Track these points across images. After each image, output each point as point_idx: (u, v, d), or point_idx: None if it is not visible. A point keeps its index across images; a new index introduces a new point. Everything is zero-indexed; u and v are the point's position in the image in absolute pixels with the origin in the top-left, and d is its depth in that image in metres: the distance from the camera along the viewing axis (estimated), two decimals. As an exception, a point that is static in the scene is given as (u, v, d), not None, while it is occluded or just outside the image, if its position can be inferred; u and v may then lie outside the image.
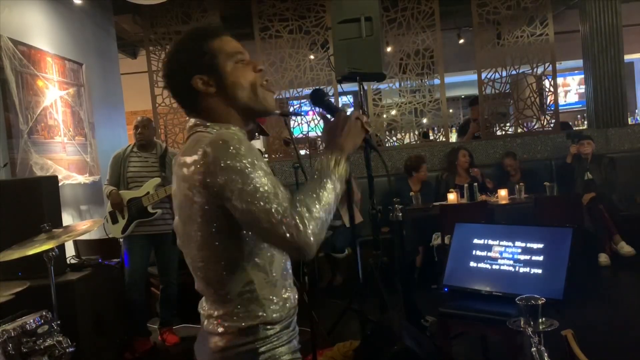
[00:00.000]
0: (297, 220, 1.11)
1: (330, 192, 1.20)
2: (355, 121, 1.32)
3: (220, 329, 1.28)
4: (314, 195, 1.17)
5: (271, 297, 1.29)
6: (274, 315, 1.29)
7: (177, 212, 1.29)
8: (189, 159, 1.20)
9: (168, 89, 1.36)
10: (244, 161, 1.15)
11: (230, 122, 1.31)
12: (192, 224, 1.23)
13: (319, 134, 6.53)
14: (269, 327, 1.28)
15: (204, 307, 1.34)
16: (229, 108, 1.31)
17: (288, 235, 1.11)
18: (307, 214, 1.13)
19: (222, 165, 1.15)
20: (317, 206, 1.16)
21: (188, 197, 1.21)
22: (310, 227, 1.12)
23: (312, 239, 1.12)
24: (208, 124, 1.30)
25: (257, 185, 1.14)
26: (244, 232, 1.23)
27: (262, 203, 1.12)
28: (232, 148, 1.16)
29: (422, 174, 5.64)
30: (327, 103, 1.46)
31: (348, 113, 1.35)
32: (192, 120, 1.33)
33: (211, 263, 1.25)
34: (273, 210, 1.12)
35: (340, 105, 1.43)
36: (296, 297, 1.39)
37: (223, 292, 1.26)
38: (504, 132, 6.48)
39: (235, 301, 1.26)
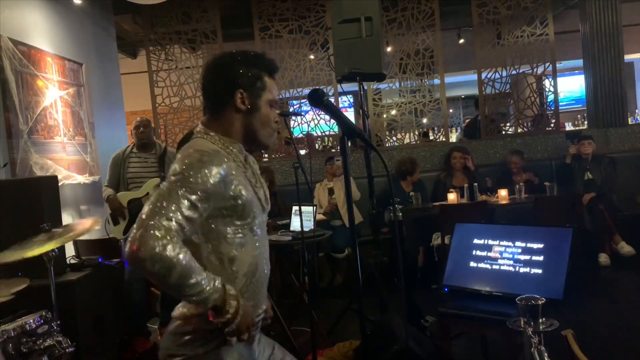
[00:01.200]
0: (144, 241, 1.23)
1: (188, 280, 1.28)
2: (247, 324, 1.39)
3: (177, 312, 1.47)
4: (187, 267, 1.27)
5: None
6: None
7: None
8: (177, 157, 1.40)
9: (207, 79, 1.51)
10: (194, 177, 1.33)
11: (235, 137, 1.50)
12: None
13: (319, 133, 6.54)
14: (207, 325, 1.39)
15: None
16: (242, 128, 1.50)
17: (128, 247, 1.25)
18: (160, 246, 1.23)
19: (182, 167, 1.35)
20: (173, 260, 1.25)
21: None
22: (151, 253, 1.22)
23: (141, 258, 1.23)
24: (211, 133, 1.48)
25: (175, 197, 1.30)
26: (211, 222, 1.40)
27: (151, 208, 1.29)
28: (200, 163, 1.36)
29: (416, 176, 5.65)
30: (326, 104, 1.52)
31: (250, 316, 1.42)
32: (200, 126, 1.51)
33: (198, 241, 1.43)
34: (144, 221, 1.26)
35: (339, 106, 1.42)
36: (261, 317, 1.56)
37: None
38: (504, 132, 6.48)
39: None
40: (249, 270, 1.47)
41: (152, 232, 1.23)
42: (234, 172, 1.42)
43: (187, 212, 1.30)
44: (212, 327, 1.39)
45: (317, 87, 1.61)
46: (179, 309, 1.47)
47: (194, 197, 1.31)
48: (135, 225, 1.27)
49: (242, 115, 1.49)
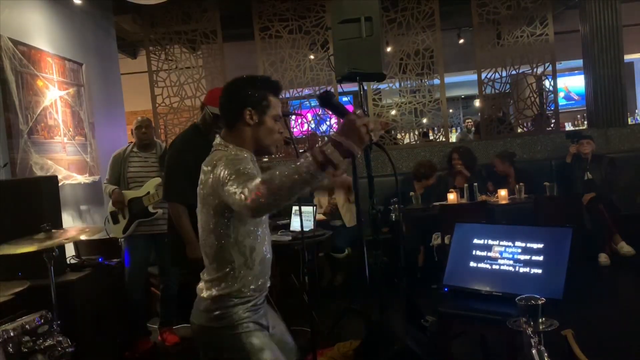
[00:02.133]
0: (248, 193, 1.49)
1: (290, 181, 1.44)
2: (358, 128, 1.43)
3: (206, 294, 1.81)
4: (275, 177, 1.46)
5: (246, 276, 1.79)
6: (244, 289, 1.79)
7: (199, 202, 1.82)
8: (205, 168, 1.77)
9: (222, 100, 1.86)
10: (238, 160, 1.70)
11: (246, 147, 1.83)
12: (206, 214, 1.78)
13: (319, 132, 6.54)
14: (237, 297, 1.78)
15: (203, 275, 1.86)
16: (251, 139, 1.83)
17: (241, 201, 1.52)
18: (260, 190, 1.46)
19: (225, 170, 1.65)
20: (272, 185, 1.45)
21: (206, 194, 1.75)
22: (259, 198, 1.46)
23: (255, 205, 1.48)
24: (230, 145, 1.81)
25: (238, 169, 1.63)
26: (234, 224, 1.75)
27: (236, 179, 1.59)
28: (232, 158, 1.72)
29: (431, 181, 5.63)
30: (335, 104, 1.70)
31: (355, 118, 1.45)
32: (218, 139, 1.85)
33: (210, 243, 1.80)
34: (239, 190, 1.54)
35: (353, 109, 1.48)
36: (268, 285, 1.91)
37: (214, 265, 1.81)
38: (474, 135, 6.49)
39: (220, 271, 1.79)
40: (262, 257, 1.85)
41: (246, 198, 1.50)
42: None
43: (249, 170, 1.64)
44: (235, 303, 1.78)
45: (327, 89, 1.70)
46: (208, 292, 1.81)
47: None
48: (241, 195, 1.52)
49: (250, 128, 1.82)
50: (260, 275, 1.84)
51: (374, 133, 1.45)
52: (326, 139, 1.59)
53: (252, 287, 1.81)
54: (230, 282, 1.78)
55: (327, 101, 1.66)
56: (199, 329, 1.83)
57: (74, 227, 3.15)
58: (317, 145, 1.53)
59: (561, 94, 11.04)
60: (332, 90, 6.20)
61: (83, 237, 2.81)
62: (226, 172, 1.64)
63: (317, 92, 6.28)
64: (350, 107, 1.58)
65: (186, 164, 2.81)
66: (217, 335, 1.79)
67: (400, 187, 5.67)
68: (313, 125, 6.39)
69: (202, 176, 1.78)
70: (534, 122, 6.49)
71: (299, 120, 6.35)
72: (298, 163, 1.44)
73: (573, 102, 11.08)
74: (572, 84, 10.85)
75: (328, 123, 6.49)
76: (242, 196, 1.49)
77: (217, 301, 1.78)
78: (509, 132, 6.42)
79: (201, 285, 1.86)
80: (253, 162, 1.85)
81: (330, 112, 1.65)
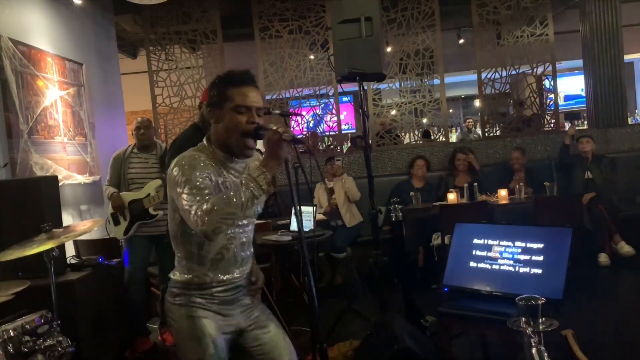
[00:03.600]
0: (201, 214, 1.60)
1: (238, 197, 1.61)
2: (271, 138, 1.67)
3: (171, 275, 1.91)
4: (223, 198, 1.62)
5: (198, 270, 1.84)
6: (197, 280, 1.84)
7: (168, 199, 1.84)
8: (171, 165, 1.78)
9: None
10: (193, 172, 1.70)
11: (219, 147, 1.83)
12: (169, 202, 1.83)
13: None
14: (192, 284, 1.84)
15: None
16: (216, 137, 1.84)
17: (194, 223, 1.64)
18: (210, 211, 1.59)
19: (179, 173, 1.71)
20: (221, 205, 1.60)
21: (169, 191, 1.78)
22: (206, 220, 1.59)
23: (206, 229, 1.60)
24: (205, 143, 1.86)
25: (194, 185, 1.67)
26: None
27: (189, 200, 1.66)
28: (194, 162, 1.74)
29: (417, 170, 5.65)
30: (260, 135, 1.76)
31: (269, 133, 1.69)
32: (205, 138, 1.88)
33: (173, 234, 1.88)
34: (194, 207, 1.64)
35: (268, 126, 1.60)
36: (238, 283, 1.91)
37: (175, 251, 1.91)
38: (498, 132, 6.48)
39: (178, 260, 1.89)
40: (217, 252, 1.84)
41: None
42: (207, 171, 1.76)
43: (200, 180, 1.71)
44: (189, 288, 1.84)
45: (256, 125, 1.80)
46: (172, 274, 1.91)
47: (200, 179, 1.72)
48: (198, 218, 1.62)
49: (215, 127, 1.83)
50: (217, 271, 1.86)
51: (287, 134, 1.67)
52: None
53: (207, 279, 1.84)
54: (185, 270, 1.86)
55: (256, 134, 1.77)
56: (165, 300, 1.93)
57: (76, 224, 3.15)
58: (253, 168, 1.67)
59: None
60: (332, 89, 6.21)
61: (84, 228, 2.80)
62: (181, 178, 1.69)
63: (320, 101, 6.33)
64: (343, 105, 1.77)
65: None
66: (171, 309, 1.88)
67: (399, 187, 5.68)
68: (312, 125, 6.39)
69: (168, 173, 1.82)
70: (528, 122, 6.49)
71: (301, 120, 6.35)
72: (241, 183, 1.64)
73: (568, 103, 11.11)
74: (565, 88, 10.85)
75: (329, 123, 6.49)
76: (197, 219, 1.60)
77: (177, 282, 1.88)
78: (509, 132, 6.42)
79: None
80: (232, 165, 1.85)
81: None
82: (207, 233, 1.61)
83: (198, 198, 1.63)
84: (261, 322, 1.96)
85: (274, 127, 1.69)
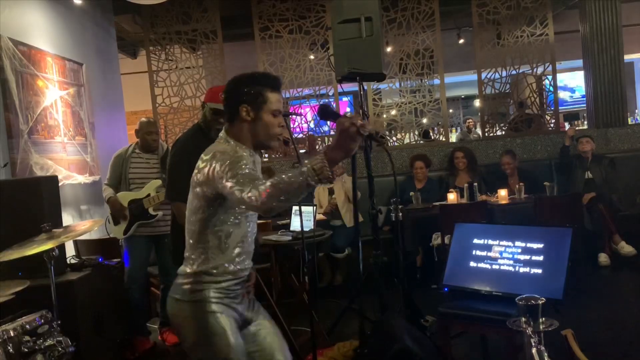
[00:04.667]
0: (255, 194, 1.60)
1: (290, 182, 1.58)
2: (347, 129, 1.56)
3: (182, 269, 1.90)
4: (277, 180, 1.59)
5: (219, 258, 1.86)
6: (215, 270, 1.85)
7: (191, 185, 1.86)
8: (204, 157, 1.82)
9: (224, 97, 1.93)
10: (237, 157, 1.74)
11: (244, 143, 1.88)
12: (195, 197, 1.84)
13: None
14: (210, 275, 1.85)
15: (185, 252, 1.92)
16: (249, 135, 1.88)
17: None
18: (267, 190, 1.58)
19: (223, 165, 1.72)
20: (279, 186, 1.58)
21: (200, 181, 1.80)
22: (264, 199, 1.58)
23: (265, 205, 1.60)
24: (231, 141, 1.87)
25: (241, 170, 1.69)
26: (218, 212, 1.83)
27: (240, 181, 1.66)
28: (230, 154, 1.77)
29: (417, 170, 5.64)
30: (332, 113, 1.79)
31: (344, 120, 1.58)
32: (222, 133, 1.91)
33: (193, 222, 1.88)
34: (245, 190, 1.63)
35: (345, 112, 1.55)
36: (246, 274, 1.95)
37: (190, 242, 1.90)
38: (503, 132, 6.49)
39: (196, 250, 1.87)
40: (240, 241, 1.90)
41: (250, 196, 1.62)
42: None
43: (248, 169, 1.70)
44: (206, 281, 1.84)
45: (325, 103, 1.77)
46: (184, 268, 1.90)
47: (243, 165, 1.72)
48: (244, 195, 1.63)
49: (247, 124, 1.86)
50: (235, 262, 1.89)
51: (363, 129, 1.56)
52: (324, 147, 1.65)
53: (224, 269, 1.86)
54: (204, 261, 1.85)
55: (325, 112, 1.78)
56: (171, 301, 1.90)
57: (76, 224, 3.15)
58: (318, 156, 1.60)
59: (564, 93, 11.07)
60: (332, 89, 6.21)
61: (84, 228, 2.80)
62: (226, 169, 1.70)
63: (319, 101, 6.32)
64: (342, 111, 1.70)
65: (189, 163, 2.81)
66: (183, 308, 1.86)
67: (401, 187, 5.68)
68: (312, 125, 6.39)
69: (199, 162, 1.83)
70: (528, 122, 6.49)
71: (299, 120, 6.36)
72: (301, 170, 1.58)
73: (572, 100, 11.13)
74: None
75: (329, 124, 6.49)
76: (251, 197, 1.60)
77: (190, 276, 1.86)
78: (509, 132, 6.43)
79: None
80: (253, 158, 1.89)
81: (331, 122, 1.77)
82: (264, 208, 1.62)
83: (249, 184, 1.64)
84: (258, 316, 2.02)
85: (350, 118, 1.59)
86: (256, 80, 1.87)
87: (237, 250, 1.90)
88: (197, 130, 3.08)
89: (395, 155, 6.21)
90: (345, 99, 7.13)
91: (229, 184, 1.67)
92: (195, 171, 1.84)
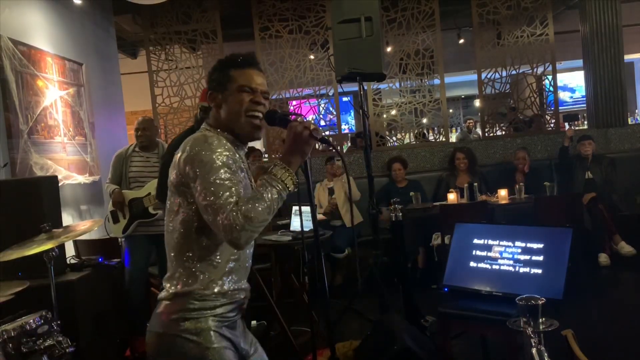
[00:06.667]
0: (234, 219, 1.38)
1: (271, 200, 1.44)
2: (300, 134, 1.52)
3: (163, 293, 1.56)
4: (258, 198, 1.42)
5: (209, 274, 1.53)
6: (206, 291, 1.52)
7: (169, 187, 1.59)
8: (180, 149, 1.56)
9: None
10: (214, 156, 1.48)
11: (223, 131, 1.63)
12: (172, 197, 1.57)
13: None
14: (200, 300, 1.51)
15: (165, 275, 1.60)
16: (220, 122, 1.64)
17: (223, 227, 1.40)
18: (247, 214, 1.39)
19: (196, 156, 1.48)
20: (259, 208, 1.40)
21: (174, 177, 1.55)
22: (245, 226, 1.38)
23: (241, 237, 1.39)
24: (207, 127, 1.65)
25: (217, 178, 1.44)
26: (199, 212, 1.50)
27: (214, 196, 1.42)
28: (207, 144, 1.50)
29: (395, 172, 5.64)
30: (280, 118, 1.63)
31: (296, 124, 1.54)
32: (203, 126, 1.67)
33: (172, 229, 1.57)
34: (221, 203, 1.41)
35: (294, 117, 1.46)
36: (242, 297, 1.63)
37: (172, 256, 1.57)
38: (503, 132, 6.48)
39: (179, 266, 1.55)
40: (233, 253, 1.59)
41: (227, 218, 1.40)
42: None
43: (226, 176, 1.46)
44: (198, 307, 1.51)
45: (270, 109, 1.66)
46: (164, 292, 1.57)
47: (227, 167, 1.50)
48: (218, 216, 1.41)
49: (217, 110, 1.64)
50: (228, 279, 1.57)
51: (316, 132, 1.53)
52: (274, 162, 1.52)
53: (216, 289, 1.53)
54: (191, 278, 1.52)
55: (272, 118, 1.62)
56: (151, 336, 1.60)
57: (76, 224, 3.16)
58: (276, 167, 1.50)
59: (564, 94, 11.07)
60: (332, 89, 6.21)
61: (84, 228, 2.80)
62: (198, 171, 1.46)
63: (320, 101, 6.30)
64: (292, 116, 1.62)
65: None
66: (173, 343, 1.52)
67: (384, 189, 5.66)
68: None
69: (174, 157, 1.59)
70: (529, 122, 6.49)
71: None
72: (267, 190, 1.45)
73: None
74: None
75: (330, 122, 6.49)
76: (229, 224, 1.38)
77: (176, 301, 1.52)
78: (509, 132, 6.43)
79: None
80: (236, 155, 1.60)
81: (280, 127, 1.64)
82: (238, 244, 1.40)
83: (225, 193, 1.42)
84: (254, 344, 1.73)
85: (303, 123, 1.53)
86: (222, 64, 1.66)
87: (230, 265, 1.57)
88: (190, 131, 3.09)
89: (395, 155, 6.21)
90: (345, 99, 7.12)
91: (204, 198, 1.43)
92: (172, 167, 1.59)
